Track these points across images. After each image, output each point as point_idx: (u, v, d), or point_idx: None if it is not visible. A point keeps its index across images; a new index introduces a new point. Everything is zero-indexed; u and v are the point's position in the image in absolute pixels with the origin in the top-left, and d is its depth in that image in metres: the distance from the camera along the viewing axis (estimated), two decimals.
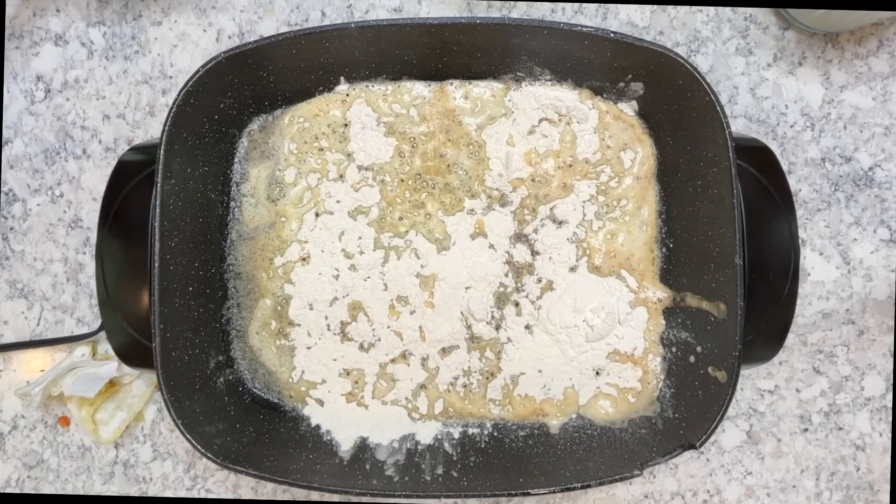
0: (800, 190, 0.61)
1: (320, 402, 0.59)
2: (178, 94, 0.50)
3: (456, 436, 0.58)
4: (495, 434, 0.58)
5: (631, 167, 0.57)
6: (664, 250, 0.58)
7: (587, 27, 0.50)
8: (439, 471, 0.54)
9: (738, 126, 0.61)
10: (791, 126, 0.62)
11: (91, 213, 0.63)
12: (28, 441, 0.63)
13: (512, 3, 0.62)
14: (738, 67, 0.61)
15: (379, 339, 0.58)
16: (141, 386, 0.62)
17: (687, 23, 0.61)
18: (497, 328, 0.58)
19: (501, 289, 0.58)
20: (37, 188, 0.63)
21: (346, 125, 0.58)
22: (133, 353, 0.53)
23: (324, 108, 0.59)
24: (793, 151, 0.62)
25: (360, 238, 0.58)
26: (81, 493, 0.63)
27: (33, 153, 0.63)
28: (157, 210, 0.50)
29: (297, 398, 0.59)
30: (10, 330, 0.63)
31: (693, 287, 0.55)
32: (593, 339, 0.57)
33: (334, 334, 0.59)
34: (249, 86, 0.55)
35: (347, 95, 0.58)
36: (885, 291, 0.61)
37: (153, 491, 0.63)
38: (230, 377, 0.58)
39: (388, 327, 0.58)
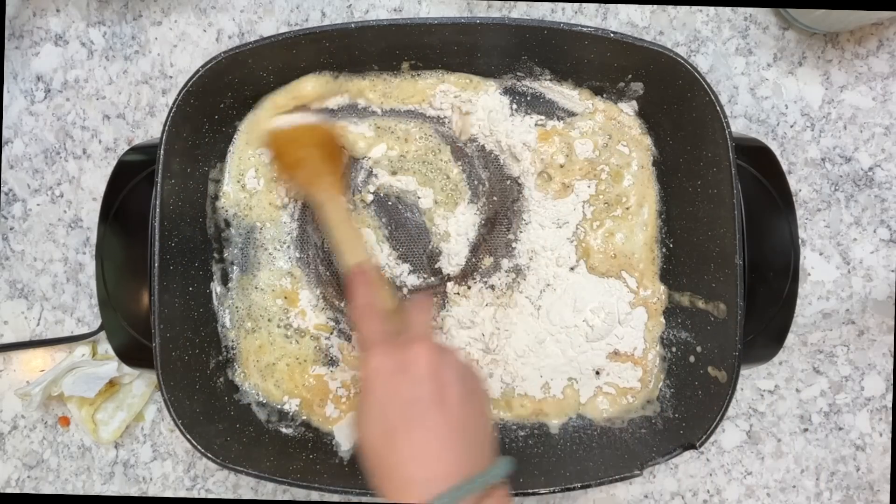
0: (800, 190, 0.61)
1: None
2: (178, 94, 0.50)
3: None
4: (495, 434, 0.57)
5: (630, 167, 0.57)
6: (664, 250, 0.58)
7: (587, 27, 0.50)
8: None
9: (738, 126, 0.61)
10: (791, 126, 0.62)
11: (91, 213, 0.63)
12: (28, 441, 0.63)
13: (512, 3, 0.62)
14: (738, 67, 0.61)
15: None
16: (141, 386, 0.62)
17: (687, 23, 0.61)
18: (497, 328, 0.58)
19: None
20: (37, 188, 0.63)
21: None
22: (133, 353, 0.53)
23: None
24: (793, 151, 0.62)
25: None
26: (81, 493, 0.62)
27: (33, 153, 0.63)
28: (157, 210, 0.50)
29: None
30: (10, 330, 0.63)
31: (693, 287, 0.55)
32: (593, 339, 0.57)
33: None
34: (249, 86, 0.55)
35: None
36: (885, 291, 0.61)
37: (153, 491, 0.63)
38: (230, 377, 0.58)
39: None
